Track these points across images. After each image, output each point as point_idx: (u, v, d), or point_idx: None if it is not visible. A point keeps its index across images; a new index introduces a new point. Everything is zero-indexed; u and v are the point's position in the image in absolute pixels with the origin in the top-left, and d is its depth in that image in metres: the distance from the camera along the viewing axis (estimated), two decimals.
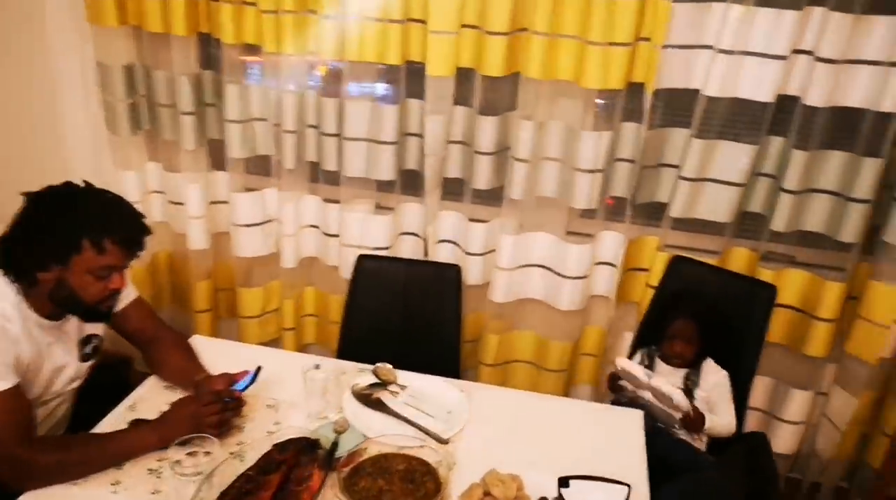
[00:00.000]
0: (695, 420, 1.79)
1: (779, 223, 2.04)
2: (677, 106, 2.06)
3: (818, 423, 2.27)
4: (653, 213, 2.21)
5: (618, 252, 2.22)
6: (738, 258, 2.17)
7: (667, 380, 1.81)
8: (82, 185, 1.43)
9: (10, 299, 1.38)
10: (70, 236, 1.35)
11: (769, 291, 1.93)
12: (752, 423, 2.24)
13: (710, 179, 2.06)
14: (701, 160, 2.03)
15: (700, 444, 1.88)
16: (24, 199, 1.39)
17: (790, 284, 2.12)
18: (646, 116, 2.02)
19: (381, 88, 2.22)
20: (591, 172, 2.09)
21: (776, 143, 2.01)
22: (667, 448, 1.78)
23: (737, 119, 2.00)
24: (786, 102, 1.94)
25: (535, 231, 2.26)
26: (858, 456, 2.27)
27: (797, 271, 2.12)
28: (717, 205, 2.08)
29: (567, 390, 2.43)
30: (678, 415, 1.78)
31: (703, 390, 1.90)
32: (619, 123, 2.06)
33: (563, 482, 1.13)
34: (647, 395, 1.81)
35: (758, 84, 1.92)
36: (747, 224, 2.15)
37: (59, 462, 1.31)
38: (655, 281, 2.14)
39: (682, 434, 1.88)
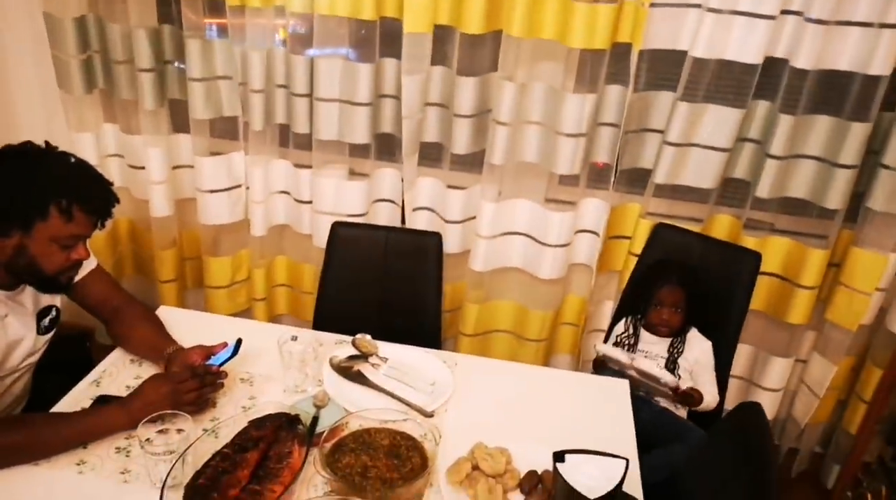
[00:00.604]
0: (687, 395, 1.79)
1: (763, 189, 2.01)
2: (663, 68, 2.00)
3: (796, 390, 2.29)
4: (636, 179, 2.16)
5: (600, 220, 2.17)
6: (722, 226, 2.14)
7: (654, 362, 1.80)
8: (43, 146, 1.32)
9: None
10: (37, 201, 1.25)
11: (754, 258, 1.90)
12: (732, 390, 2.24)
13: (696, 144, 2.02)
14: (687, 125, 1.98)
15: (682, 412, 1.88)
16: None
17: (773, 251, 2.10)
18: (631, 78, 1.95)
19: (354, 45, 2.11)
20: (574, 136, 2.02)
21: (762, 107, 1.97)
22: (650, 417, 1.76)
23: (723, 82, 1.95)
24: (773, 65, 1.90)
25: (515, 198, 2.19)
26: (835, 422, 2.30)
27: (780, 239, 2.10)
28: (702, 171, 2.04)
29: (547, 360, 2.40)
30: (666, 389, 1.76)
31: (687, 361, 1.89)
32: (604, 85, 1.99)
33: (559, 456, 1.09)
34: (634, 373, 1.79)
35: (746, 45, 1.86)
36: (731, 191, 2.12)
37: (20, 443, 1.22)
38: (638, 249, 2.11)
39: (665, 403, 1.87)
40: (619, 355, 1.79)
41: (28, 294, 1.43)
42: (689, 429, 1.80)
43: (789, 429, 2.33)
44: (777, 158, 1.96)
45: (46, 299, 1.48)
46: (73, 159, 1.34)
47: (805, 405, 2.25)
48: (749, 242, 2.09)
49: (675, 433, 1.77)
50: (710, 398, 1.84)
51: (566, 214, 2.15)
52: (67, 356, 1.74)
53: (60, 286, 1.39)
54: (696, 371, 1.89)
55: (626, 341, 1.97)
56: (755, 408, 1.27)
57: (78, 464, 1.24)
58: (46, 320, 1.49)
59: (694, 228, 2.09)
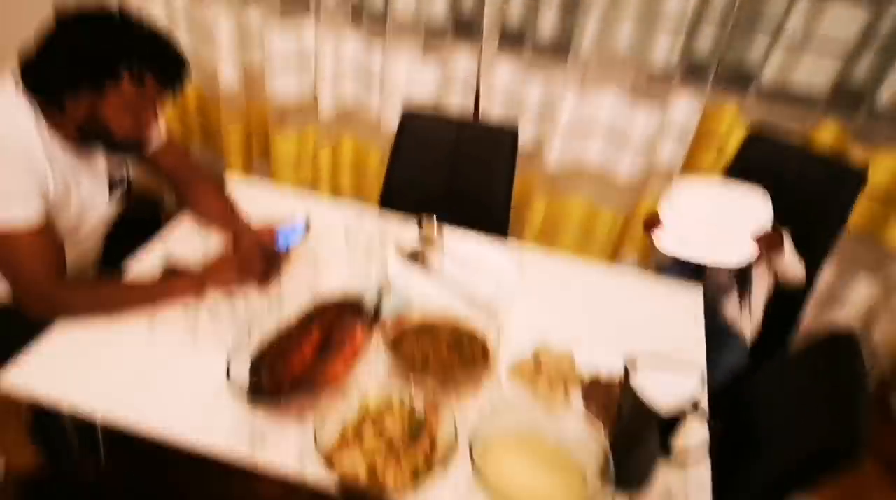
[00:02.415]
0: (773, 239, 1.62)
1: (882, 98, 1.81)
2: None
3: (877, 314, 2.16)
4: (737, 79, 1.96)
5: (690, 121, 2.00)
6: (827, 137, 1.95)
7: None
8: (117, 10, 1.27)
9: (32, 125, 1.26)
10: (110, 63, 1.22)
11: (858, 177, 1.72)
12: (809, 311, 2.13)
13: (813, 42, 1.80)
14: (806, 20, 1.76)
15: (746, 324, 1.79)
16: (55, 17, 1.23)
17: (880, 167, 1.90)
18: None
19: None
20: (675, 27, 1.83)
21: None
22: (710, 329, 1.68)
23: None
24: None
25: (600, 91, 2.03)
26: None
27: (891, 155, 1.90)
28: (816, 74, 1.84)
29: (612, 263, 2.32)
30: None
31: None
32: None
33: (630, 365, 1.04)
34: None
35: None
36: (843, 98, 1.91)
37: (92, 305, 1.26)
38: (729, 156, 1.94)
39: (730, 310, 1.79)
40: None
41: (101, 158, 1.42)
42: (733, 346, 1.72)
43: (863, 353, 2.22)
44: None
45: (118, 164, 1.48)
46: (149, 26, 1.28)
47: (884, 331, 2.13)
48: (855, 156, 1.90)
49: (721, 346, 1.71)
50: (795, 270, 1.68)
51: (653, 113, 1.99)
52: (139, 220, 1.78)
53: (132, 154, 1.38)
54: None
55: None
56: (849, 337, 1.18)
57: (148, 322, 1.27)
58: (118, 183, 1.49)
59: (795, 138, 1.91)
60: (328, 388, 1.09)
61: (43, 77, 1.24)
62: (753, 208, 1.61)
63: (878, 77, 1.81)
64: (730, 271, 1.77)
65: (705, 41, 1.88)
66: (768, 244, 1.60)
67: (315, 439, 1.00)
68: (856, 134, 1.91)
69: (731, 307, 1.79)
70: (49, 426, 1.24)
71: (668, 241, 1.62)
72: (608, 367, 1.26)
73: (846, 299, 2.13)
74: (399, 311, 1.29)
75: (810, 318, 2.20)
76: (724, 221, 1.61)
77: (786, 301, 1.79)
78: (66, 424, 1.16)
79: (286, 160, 2.48)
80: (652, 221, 1.67)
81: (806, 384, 1.22)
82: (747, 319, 1.78)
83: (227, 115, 2.41)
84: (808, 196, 1.77)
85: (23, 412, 1.22)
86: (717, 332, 1.75)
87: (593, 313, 1.46)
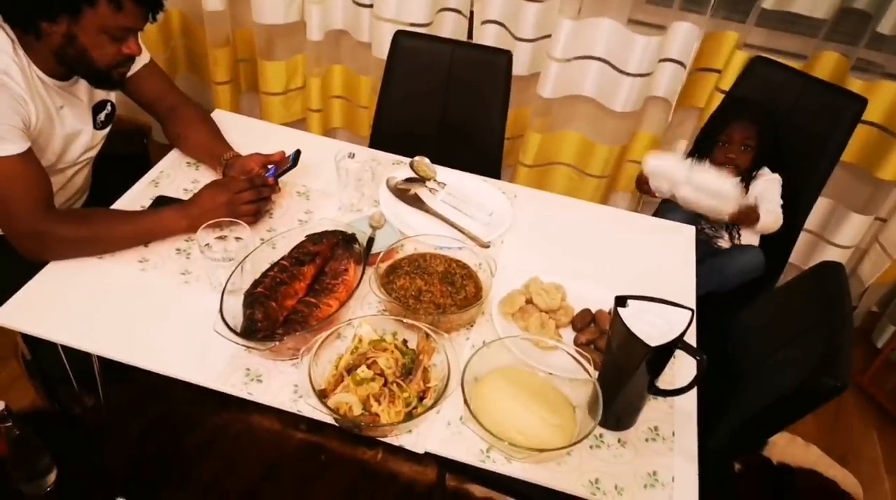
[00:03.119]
0: (747, 213, 1.69)
1: (886, 25, 1.75)
2: None
3: (868, 248, 2.18)
4: (738, 2, 1.89)
5: (689, 48, 1.94)
6: (827, 64, 1.90)
7: (714, 173, 1.64)
8: None
9: (10, 55, 1.21)
10: None
11: (858, 104, 1.70)
12: (801, 245, 2.14)
13: None
14: None
15: None
16: None
17: (879, 97, 1.87)
18: None
19: None
20: None
21: None
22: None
23: None
24: None
25: (597, 17, 1.96)
26: None
27: (891, 84, 1.86)
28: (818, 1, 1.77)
29: (606, 198, 2.32)
30: (728, 209, 1.63)
31: (752, 195, 1.77)
32: None
33: (620, 301, 1.05)
34: (687, 192, 1.64)
35: None
36: (846, 24, 1.85)
37: (84, 236, 1.25)
38: (727, 85, 1.91)
39: (724, 242, 1.80)
40: (674, 167, 1.64)
41: (82, 87, 1.39)
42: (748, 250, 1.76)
43: (852, 287, 2.26)
44: None
45: (101, 94, 1.44)
46: None
47: (874, 265, 2.15)
48: (855, 85, 1.86)
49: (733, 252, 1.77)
50: (772, 218, 1.73)
51: (652, 39, 1.92)
52: (126, 152, 1.75)
53: (113, 82, 1.34)
54: (760, 198, 1.76)
55: None
56: (836, 268, 1.19)
57: (140, 261, 1.27)
58: (102, 115, 1.46)
59: (795, 64, 1.86)
60: (321, 325, 1.10)
61: (16, 3, 1.19)
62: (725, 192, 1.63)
63: (882, 2, 1.75)
64: None
65: None
66: (745, 220, 1.71)
67: (309, 376, 1.02)
68: (855, 62, 1.86)
69: (723, 246, 1.81)
70: (46, 364, 1.26)
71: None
72: (599, 302, 1.27)
73: (838, 233, 2.14)
74: (391, 246, 1.29)
75: (802, 252, 2.22)
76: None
77: (778, 238, 1.80)
78: (62, 361, 1.18)
79: (275, 89, 2.41)
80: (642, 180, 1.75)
81: (791, 317, 1.24)
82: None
83: (212, 38, 2.32)
84: (807, 122, 1.75)
85: (20, 350, 1.24)
86: (726, 250, 1.78)
87: (585, 249, 1.46)
